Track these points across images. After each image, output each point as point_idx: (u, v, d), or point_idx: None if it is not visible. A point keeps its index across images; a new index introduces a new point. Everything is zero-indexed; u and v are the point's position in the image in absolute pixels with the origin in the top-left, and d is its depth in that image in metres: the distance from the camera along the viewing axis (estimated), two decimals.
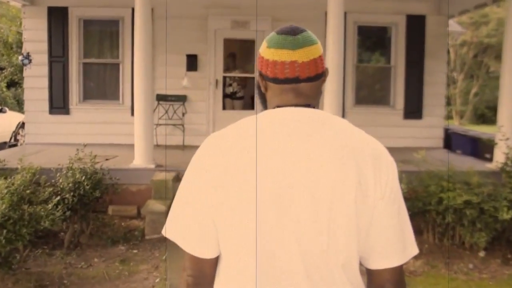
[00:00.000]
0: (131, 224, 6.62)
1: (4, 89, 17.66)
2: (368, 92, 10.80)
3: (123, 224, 6.62)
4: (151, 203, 6.32)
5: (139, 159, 7.22)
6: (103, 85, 10.38)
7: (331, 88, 7.40)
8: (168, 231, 1.37)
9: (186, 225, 1.32)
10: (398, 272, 1.32)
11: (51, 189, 5.24)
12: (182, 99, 9.93)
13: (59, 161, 6.52)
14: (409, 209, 4.65)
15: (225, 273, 1.32)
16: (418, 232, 6.32)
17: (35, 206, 4.60)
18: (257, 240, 1.21)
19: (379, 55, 10.96)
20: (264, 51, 1.37)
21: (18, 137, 11.69)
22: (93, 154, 7.65)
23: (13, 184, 4.56)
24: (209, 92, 10.02)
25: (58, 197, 5.16)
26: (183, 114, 9.74)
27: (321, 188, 1.21)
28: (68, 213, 5.42)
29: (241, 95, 10.32)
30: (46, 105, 9.88)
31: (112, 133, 9.77)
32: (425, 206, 5.89)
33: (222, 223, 1.27)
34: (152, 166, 7.20)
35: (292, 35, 1.34)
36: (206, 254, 1.32)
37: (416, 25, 10.33)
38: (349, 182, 1.21)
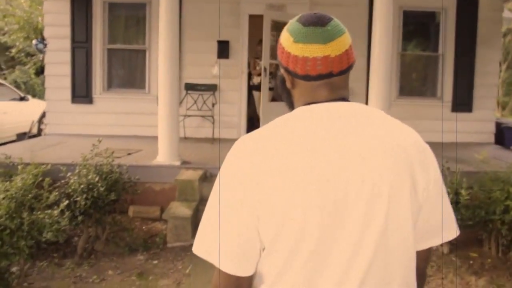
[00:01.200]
0: (153, 228, 5.99)
1: (33, 76, 17.29)
2: (413, 82, 9.96)
3: (144, 227, 5.99)
4: (174, 206, 5.67)
5: (163, 155, 6.58)
6: (129, 73, 9.79)
7: (377, 78, 6.65)
8: (201, 248, 1.22)
9: (225, 241, 1.17)
10: (431, 250, 1.36)
11: (57, 192, 4.60)
12: (212, 88, 9.27)
13: (79, 155, 5.95)
14: (469, 218, 3.80)
15: (270, 285, 1.20)
16: (478, 243, 5.53)
17: (38, 213, 3.97)
18: (312, 247, 1.13)
19: (426, 42, 10.08)
20: (291, 46, 1.24)
21: (42, 126, 11.18)
22: (114, 148, 7.05)
23: (12, 187, 3.93)
24: (241, 81, 9.29)
25: (67, 201, 4.53)
26: (213, 105, 9.07)
27: (378, 189, 1.14)
28: (80, 217, 4.83)
29: (271, 86, 9.42)
30: (68, 94, 9.33)
31: (138, 124, 9.19)
32: (488, 215, 5.09)
33: (270, 234, 1.15)
34: (177, 163, 6.55)
35: (321, 26, 1.22)
36: (248, 271, 1.20)
37: (467, 10, 9.43)
38: (404, 181, 1.16)
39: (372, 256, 1.15)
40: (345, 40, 1.25)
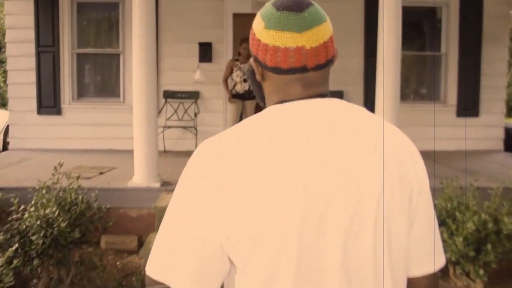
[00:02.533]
0: (129, 264, 5.08)
1: (2, 84, 16.22)
2: (414, 85, 9.16)
3: (118, 263, 5.08)
4: (152, 240, 4.73)
5: (140, 176, 5.67)
6: (101, 80, 8.87)
7: (386, 80, 5.86)
8: (155, 268, 1.02)
9: (184, 260, 0.98)
10: (436, 279, 1.17)
11: (8, 227, 3.67)
12: (194, 96, 8.38)
13: (43, 175, 5.05)
14: None
15: None
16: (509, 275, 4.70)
17: None
18: (292, 271, 0.96)
19: (427, 41, 9.28)
20: (261, 32, 1.06)
21: (9, 139, 10.15)
22: (85, 165, 6.17)
23: None
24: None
25: (16, 245, 3.60)
26: (196, 114, 8.17)
27: (367, 193, 0.98)
28: (36, 261, 3.91)
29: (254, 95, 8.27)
30: (33, 104, 8.36)
31: (112, 137, 8.27)
32: None
33: (240, 253, 0.96)
34: (157, 184, 5.64)
35: (296, 12, 1.03)
36: None
37: (471, 4, 8.70)
38: (394, 185, 1.01)
39: (362, 278, 1.00)
40: (324, 30, 1.05)
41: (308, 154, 0.98)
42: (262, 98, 1.18)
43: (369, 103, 8.61)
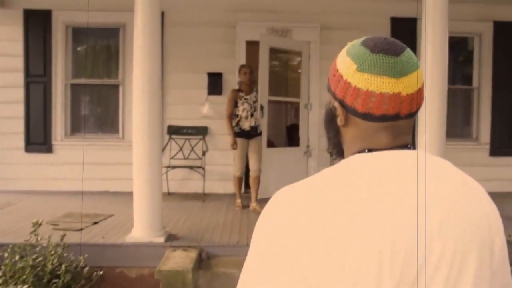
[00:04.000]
0: None
1: None
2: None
3: None
4: None
5: (140, 228, 4.74)
6: (98, 114, 8.03)
7: (430, 120, 4.99)
8: None
9: None
10: None
11: None
12: (201, 132, 7.50)
13: (25, 226, 4.14)
14: None
15: None
16: None
17: None
18: None
19: (459, 74, 8.47)
20: (353, 74, 0.98)
21: None
22: (77, 211, 5.28)
23: None
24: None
25: None
26: (204, 153, 7.27)
27: (462, 260, 0.92)
28: None
29: (261, 130, 6.64)
30: (21, 140, 7.46)
31: (110, 177, 7.39)
32: None
33: None
34: (161, 239, 4.71)
35: (393, 56, 0.97)
36: None
37: (506, 34, 7.92)
38: (487, 251, 0.95)
39: None
40: (419, 76, 1.00)
41: (403, 207, 0.91)
42: (338, 144, 1.09)
43: None
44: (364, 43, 1.01)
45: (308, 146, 7.64)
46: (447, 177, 0.98)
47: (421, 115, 5.15)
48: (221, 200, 7.03)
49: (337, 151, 1.11)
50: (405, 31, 7.77)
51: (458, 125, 8.31)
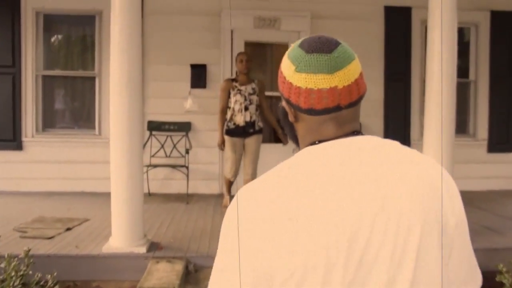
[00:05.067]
0: None
1: None
2: None
3: None
4: None
5: (120, 237, 4.24)
6: (72, 108, 7.45)
7: (438, 115, 4.59)
8: None
9: None
10: None
11: None
12: (184, 128, 7.00)
13: None
14: None
15: None
16: None
17: None
18: None
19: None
20: (292, 75, 1.08)
21: None
22: (49, 215, 4.80)
23: None
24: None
25: None
26: (187, 150, 6.76)
27: (404, 235, 0.99)
28: None
29: (260, 127, 5.91)
30: None
31: (85, 177, 6.86)
32: None
33: (289, 284, 0.97)
34: (143, 249, 4.21)
35: (326, 53, 1.06)
36: None
37: (504, 26, 7.58)
38: (433, 224, 1.01)
39: None
40: (355, 68, 1.08)
41: (348, 191, 0.99)
42: (295, 138, 1.19)
43: (390, 136, 7.37)
44: (301, 45, 1.10)
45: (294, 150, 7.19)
46: (393, 156, 1.05)
47: (428, 110, 4.75)
48: (206, 201, 6.55)
49: (296, 144, 1.18)
50: (400, 20, 7.40)
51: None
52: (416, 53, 7.45)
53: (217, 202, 6.48)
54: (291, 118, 1.13)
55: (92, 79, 7.05)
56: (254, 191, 1.03)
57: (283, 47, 7.50)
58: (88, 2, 6.81)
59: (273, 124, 5.90)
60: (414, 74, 7.45)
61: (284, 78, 1.10)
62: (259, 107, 5.78)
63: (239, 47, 6.98)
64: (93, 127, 7.09)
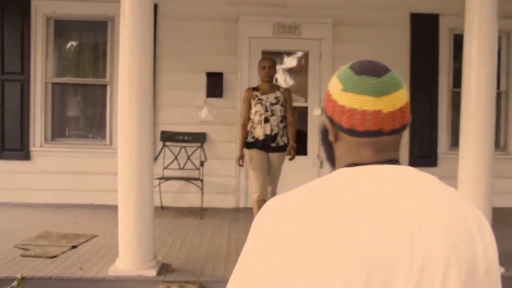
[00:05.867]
0: None
1: None
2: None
3: None
4: None
5: (127, 258, 3.91)
6: (82, 117, 7.16)
7: (476, 129, 4.23)
8: None
9: None
10: None
11: None
12: (199, 139, 6.67)
13: None
14: None
15: None
16: None
17: None
18: None
19: None
20: (339, 94, 1.09)
21: None
22: (55, 230, 4.51)
23: None
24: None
25: None
26: (202, 162, 6.42)
27: (432, 271, 0.95)
28: None
29: (284, 142, 5.11)
30: None
31: (95, 188, 6.57)
32: None
33: None
34: (152, 271, 3.86)
35: (375, 77, 1.07)
36: None
37: None
38: (463, 265, 0.98)
39: None
40: (402, 96, 1.08)
41: (377, 218, 0.97)
42: (332, 159, 1.17)
43: (417, 150, 7.04)
44: (351, 66, 1.11)
45: (318, 156, 6.83)
46: (428, 191, 1.02)
47: (464, 123, 4.37)
48: (221, 216, 6.21)
49: (332, 165, 1.18)
50: (426, 28, 7.04)
51: None
52: (444, 62, 7.07)
53: (233, 218, 6.14)
54: (331, 137, 1.12)
55: (104, 87, 6.77)
56: (283, 201, 1.03)
57: (302, 56, 7.19)
58: (100, 8, 6.54)
59: (290, 132, 5.10)
60: (441, 84, 7.06)
61: (330, 96, 1.11)
62: (284, 119, 5.05)
63: (257, 55, 6.67)
64: (104, 137, 6.80)
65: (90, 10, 6.57)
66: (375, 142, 1.06)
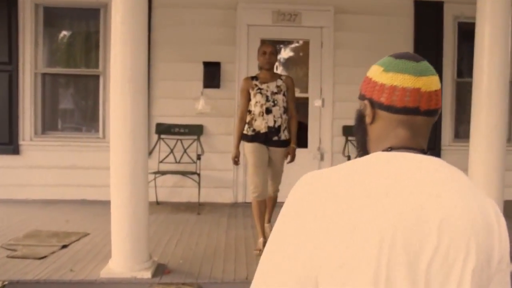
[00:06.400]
0: None
1: None
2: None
3: None
4: None
5: (120, 259, 3.67)
6: (74, 109, 6.89)
7: (488, 120, 4.03)
8: None
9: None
10: None
11: None
12: (196, 131, 6.42)
13: None
14: None
15: None
16: None
17: None
18: None
19: None
20: (379, 75, 1.15)
21: None
22: (45, 228, 4.29)
23: None
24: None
25: None
26: (199, 156, 6.17)
27: (455, 256, 1.01)
28: None
29: (287, 137, 4.60)
30: None
31: (88, 183, 6.31)
32: None
33: (333, 275, 0.99)
34: (147, 273, 3.62)
35: (414, 61, 1.15)
36: None
37: None
38: (482, 253, 1.04)
39: None
40: (436, 81, 1.14)
41: (410, 199, 1.01)
42: (364, 144, 1.20)
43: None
44: (391, 55, 1.18)
45: (319, 148, 6.59)
46: (456, 183, 1.07)
47: (476, 113, 4.14)
48: (219, 211, 5.97)
49: (363, 150, 1.20)
50: (430, 16, 6.78)
51: None
52: (448, 51, 6.83)
53: (231, 213, 5.91)
54: (368, 118, 1.16)
55: (97, 77, 6.49)
56: (319, 177, 1.06)
57: (303, 45, 6.94)
58: None
59: (291, 131, 4.59)
60: (445, 74, 6.80)
61: (370, 79, 1.16)
62: (286, 110, 4.56)
63: (256, 44, 6.41)
64: (97, 130, 6.53)
65: None
66: (411, 122, 1.11)
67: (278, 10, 6.50)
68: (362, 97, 1.18)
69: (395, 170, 1.05)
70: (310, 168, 5.89)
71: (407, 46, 6.61)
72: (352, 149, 6.50)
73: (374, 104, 1.14)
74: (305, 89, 6.76)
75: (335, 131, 6.59)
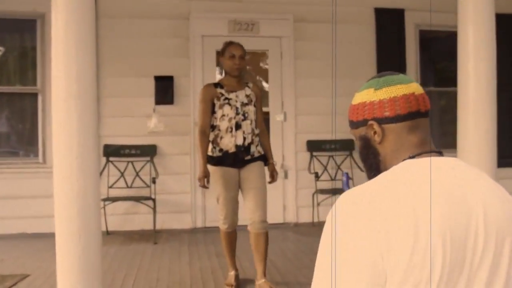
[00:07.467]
0: None
1: None
2: (439, 134, 7.02)
3: None
4: None
5: None
6: (10, 131, 6.17)
7: (475, 137, 3.74)
8: None
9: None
10: None
11: None
12: (149, 152, 5.85)
13: None
14: None
15: None
16: None
17: None
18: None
19: (451, 74, 7.25)
20: (373, 94, 1.23)
21: None
22: None
23: None
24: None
25: None
26: (153, 179, 5.60)
27: (500, 241, 1.08)
28: None
29: (261, 153, 3.88)
30: None
31: (27, 215, 5.62)
32: None
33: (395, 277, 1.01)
34: None
35: (395, 74, 1.26)
36: None
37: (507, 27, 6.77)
38: None
39: None
40: (419, 85, 1.24)
41: (452, 199, 1.05)
42: (377, 165, 1.23)
43: None
44: (371, 78, 1.28)
45: (282, 166, 6.15)
46: (483, 180, 1.13)
47: (462, 126, 3.82)
48: (178, 239, 5.42)
49: (374, 173, 1.21)
50: (391, 23, 6.53)
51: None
52: (411, 58, 6.59)
53: (192, 240, 5.37)
54: (378, 138, 1.21)
55: (34, 96, 5.82)
56: (361, 193, 1.07)
57: (259, 55, 6.54)
58: (28, 3, 5.64)
59: (265, 147, 3.90)
60: None
61: (364, 103, 1.23)
62: (256, 123, 3.86)
63: (211, 56, 5.95)
64: (36, 154, 5.85)
65: (15, 6, 5.65)
66: (417, 126, 1.19)
67: (234, 20, 6.07)
68: (361, 123, 1.23)
69: (433, 174, 1.08)
70: (275, 188, 5.06)
71: (370, 54, 6.34)
72: (318, 166, 6.10)
73: (380, 120, 1.20)
74: (265, 103, 6.33)
75: (299, 147, 6.18)
